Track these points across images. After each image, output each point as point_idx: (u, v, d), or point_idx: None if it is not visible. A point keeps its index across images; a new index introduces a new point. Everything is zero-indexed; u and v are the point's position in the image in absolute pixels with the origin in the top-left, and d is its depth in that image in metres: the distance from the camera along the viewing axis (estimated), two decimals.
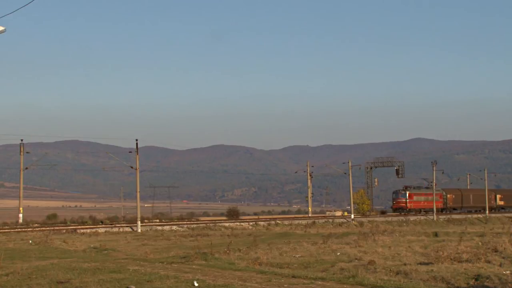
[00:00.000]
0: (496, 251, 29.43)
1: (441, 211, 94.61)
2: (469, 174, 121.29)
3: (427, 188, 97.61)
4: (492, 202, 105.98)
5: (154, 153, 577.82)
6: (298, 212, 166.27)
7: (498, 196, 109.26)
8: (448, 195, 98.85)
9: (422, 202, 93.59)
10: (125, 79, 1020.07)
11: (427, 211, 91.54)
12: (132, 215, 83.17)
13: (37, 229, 51.75)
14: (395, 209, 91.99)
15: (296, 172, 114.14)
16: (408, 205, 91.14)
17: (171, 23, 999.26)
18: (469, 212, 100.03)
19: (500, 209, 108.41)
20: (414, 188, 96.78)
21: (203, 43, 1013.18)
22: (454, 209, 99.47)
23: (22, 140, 64.95)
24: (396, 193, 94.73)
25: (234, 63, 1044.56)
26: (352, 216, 76.87)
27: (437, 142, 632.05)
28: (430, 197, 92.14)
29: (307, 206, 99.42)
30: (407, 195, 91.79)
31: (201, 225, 60.61)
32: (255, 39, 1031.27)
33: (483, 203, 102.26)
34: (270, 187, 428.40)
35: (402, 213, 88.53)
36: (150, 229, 54.54)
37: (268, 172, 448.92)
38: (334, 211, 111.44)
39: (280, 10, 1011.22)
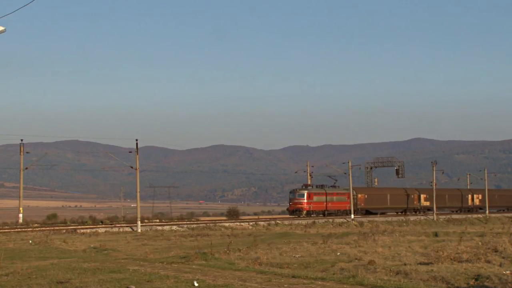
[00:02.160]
0: (496, 251, 29.43)
1: (350, 213, 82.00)
2: (469, 174, 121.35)
3: (333, 187, 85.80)
4: (416, 202, 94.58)
5: (154, 153, 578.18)
6: None
7: (422, 196, 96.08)
8: (359, 195, 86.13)
9: (324, 203, 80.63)
10: (125, 79, 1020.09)
11: (332, 213, 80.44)
12: (132, 215, 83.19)
13: (37, 229, 51.70)
14: (292, 212, 77.98)
15: (296, 172, 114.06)
16: (307, 206, 77.44)
17: (171, 23, 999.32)
18: (383, 214, 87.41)
19: (426, 210, 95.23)
20: (317, 187, 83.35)
21: (203, 43, 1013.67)
22: (367, 211, 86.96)
23: (22, 140, 64.93)
24: (292, 192, 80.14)
25: (234, 63, 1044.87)
26: (352, 216, 76.87)
27: (437, 142, 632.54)
28: (335, 197, 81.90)
29: None
30: (306, 195, 77.95)
31: (201, 225, 60.59)
32: (256, 39, 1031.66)
33: (402, 203, 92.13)
34: (270, 187, 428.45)
35: (300, 216, 75.40)
36: (150, 229, 54.52)
37: (268, 172, 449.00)
38: None
39: (280, 10, 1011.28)
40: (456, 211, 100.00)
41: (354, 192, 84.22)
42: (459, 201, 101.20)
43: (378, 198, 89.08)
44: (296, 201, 78.11)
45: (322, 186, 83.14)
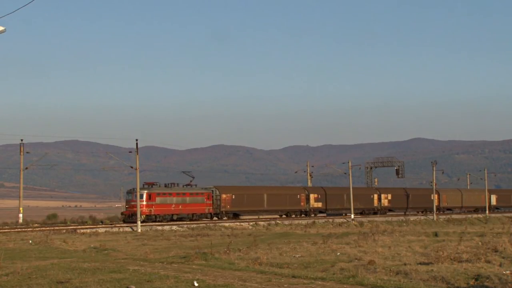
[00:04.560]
0: (496, 251, 29.48)
1: (211, 217, 69.46)
2: (469, 174, 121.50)
3: (188, 185, 69.94)
4: (303, 204, 79.87)
5: (154, 153, 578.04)
6: None
7: (312, 196, 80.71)
8: (224, 195, 71.43)
9: (173, 206, 65.74)
10: (125, 79, 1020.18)
11: (184, 217, 66.22)
12: None
13: (37, 229, 51.77)
14: (128, 216, 62.30)
15: (296, 172, 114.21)
16: (146, 209, 62.74)
17: (171, 23, 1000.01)
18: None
19: (317, 212, 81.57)
20: (165, 186, 67.95)
21: (204, 43, 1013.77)
22: (236, 214, 72.54)
23: (22, 140, 64.98)
24: (129, 193, 65.15)
25: (234, 63, 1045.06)
26: (352, 216, 76.88)
27: (437, 142, 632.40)
28: (188, 198, 67.45)
29: None
30: (145, 196, 63.19)
31: (201, 225, 60.66)
32: (256, 39, 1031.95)
33: (284, 205, 78.00)
34: None
35: (142, 223, 58.25)
36: (150, 229, 54.60)
37: (268, 172, 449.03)
38: None
39: (280, 10, 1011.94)
40: (360, 213, 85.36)
41: (217, 192, 71.30)
42: (363, 202, 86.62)
43: (250, 198, 74.43)
44: (133, 203, 62.21)
45: (172, 185, 68.61)
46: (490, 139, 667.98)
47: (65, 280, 18.99)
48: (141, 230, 53.63)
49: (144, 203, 62.94)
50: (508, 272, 21.45)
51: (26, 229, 51.35)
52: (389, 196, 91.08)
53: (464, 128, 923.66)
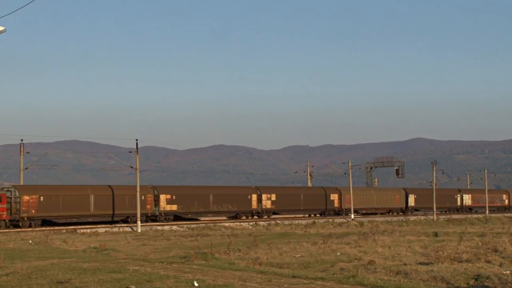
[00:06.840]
0: (496, 251, 29.49)
1: (5, 225, 53.48)
2: (469, 174, 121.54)
3: None
4: (149, 206, 64.07)
5: (154, 153, 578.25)
6: None
7: (163, 197, 65.83)
8: (26, 197, 55.01)
9: None
10: (125, 79, 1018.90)
11: None
12: None
13: (37, 229, 51.81)
14: None
15: (296, 172, 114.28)
16: None
17: (171, 23, 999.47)
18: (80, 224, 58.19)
19: (173, 217, 67.03)
20: None
21: (203, 43, 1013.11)
22: (46, 221, 57.73)
23: (22, 140, 65.10)
24: None
25: (234, 63, 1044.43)
26: (352, 216, 76.88)
27: (437, 142, 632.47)
28: None
29: None
30: None
31: (201, 225, 60.69)
32: (255, 39, 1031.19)
33: (119, 208, 61.67)
34: None
35: None
36: (150, 229, 54.63)
37: (268, 172, 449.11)
38: None
39: (280, 10, 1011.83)
40: (234, 217, 72.89)
41: (17, 193, 54.94)
42: (236, 203, 73.37)
43: (69, 200, 57.57)
44: None
45: None
46: (490, 139, 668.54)
47: (65, 280, 18.99)
48: (141, 230, 53.70)
49: None
50: (508, 272, 21.45)
51: (26, 229, 51.39)
52: (273, 197, 77.46)
53: (464, 128, 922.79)
